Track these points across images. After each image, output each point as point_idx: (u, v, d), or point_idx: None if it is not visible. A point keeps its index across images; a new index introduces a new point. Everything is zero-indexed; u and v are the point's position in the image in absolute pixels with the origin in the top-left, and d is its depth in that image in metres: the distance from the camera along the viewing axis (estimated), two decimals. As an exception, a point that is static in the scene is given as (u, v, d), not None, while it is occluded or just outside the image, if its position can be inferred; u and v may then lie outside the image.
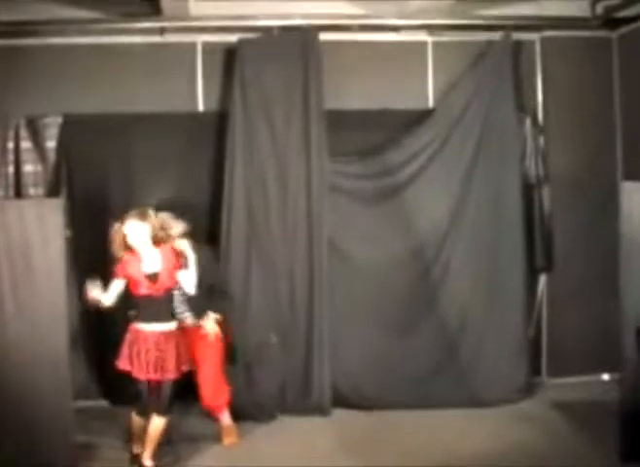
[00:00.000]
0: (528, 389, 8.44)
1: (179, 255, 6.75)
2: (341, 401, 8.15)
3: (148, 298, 6.54)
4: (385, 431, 7.58)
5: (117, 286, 6.55)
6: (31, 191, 8.25)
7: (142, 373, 6.47)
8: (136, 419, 6.75)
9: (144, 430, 6.62)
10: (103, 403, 8.15)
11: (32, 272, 6.21)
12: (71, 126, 8.23)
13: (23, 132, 8.24)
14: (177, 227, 7.06)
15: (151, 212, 6.66)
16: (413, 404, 8.07)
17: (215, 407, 7.32)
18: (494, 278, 8.43)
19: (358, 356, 8.25)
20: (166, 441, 6.86)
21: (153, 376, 6.48)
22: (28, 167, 8.25)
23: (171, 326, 6.65)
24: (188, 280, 6.82)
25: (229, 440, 7.27)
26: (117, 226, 6.56)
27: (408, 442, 7.25)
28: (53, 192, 8.15)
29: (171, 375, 6.53)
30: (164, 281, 6.58)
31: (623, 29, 8.67)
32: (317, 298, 8.12)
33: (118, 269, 6.56)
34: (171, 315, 6.73)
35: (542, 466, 6.62)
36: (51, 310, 6.20)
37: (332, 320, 8.14)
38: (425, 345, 8.34)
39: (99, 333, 8.11)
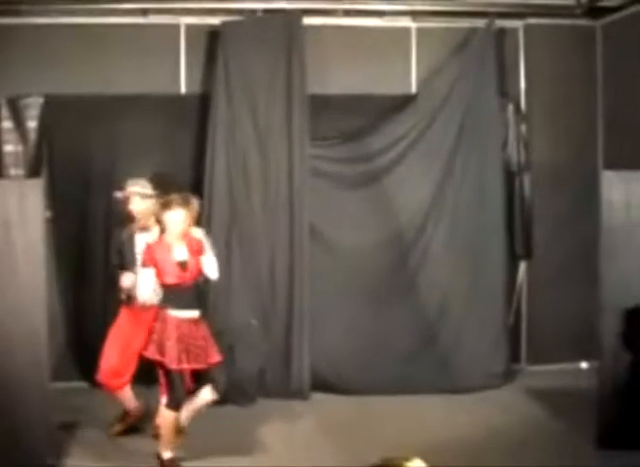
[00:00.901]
0: (507, 376, 8.49)
1: (196, 241, 6.35)
2: (321, 385, 8.17)
3: (178, 286, 6.25)
4: (364, 416, 7.59)
5: (148, 276, 6.26)
6: (12, 171, 8.20)
7: (174, 362, 6.13)
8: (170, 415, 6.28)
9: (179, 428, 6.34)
10: (82, 384, 8.09)
11: (12, 253, 6.12)
12: (53, 107, 8.17)
13: (4, 112, 8.18)
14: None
15: (193, 200, 6.38)
16: (393, 389, 8.09)
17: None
18: (475, 265, 8.46)
19: (338, 341, 8.26)
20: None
21: (186, 365, 6.19)
22: (9, 147, 8.20)
23: (199, 313, 6.38)
24: (210, 265, 6.40)
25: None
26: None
27: (386, 427, 7.26)
28: (33, 172, 8.10)
29: (203, 363, 6.29)
30: (193, 269, 6.30)
31: (607, 18, 8.69)
32: (297, 281, 8.12)
33: (145, 257, 6.30)
34: (198, 303, 6.46)
35: (519, 452, 6.64)
36: (30, 290, 6.13)
37: (312, 304, 8.14)
38: (405, 330, 8.36)
39: (78, 313, 8.15)
